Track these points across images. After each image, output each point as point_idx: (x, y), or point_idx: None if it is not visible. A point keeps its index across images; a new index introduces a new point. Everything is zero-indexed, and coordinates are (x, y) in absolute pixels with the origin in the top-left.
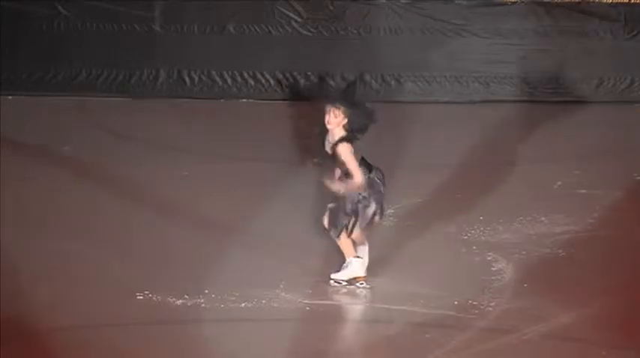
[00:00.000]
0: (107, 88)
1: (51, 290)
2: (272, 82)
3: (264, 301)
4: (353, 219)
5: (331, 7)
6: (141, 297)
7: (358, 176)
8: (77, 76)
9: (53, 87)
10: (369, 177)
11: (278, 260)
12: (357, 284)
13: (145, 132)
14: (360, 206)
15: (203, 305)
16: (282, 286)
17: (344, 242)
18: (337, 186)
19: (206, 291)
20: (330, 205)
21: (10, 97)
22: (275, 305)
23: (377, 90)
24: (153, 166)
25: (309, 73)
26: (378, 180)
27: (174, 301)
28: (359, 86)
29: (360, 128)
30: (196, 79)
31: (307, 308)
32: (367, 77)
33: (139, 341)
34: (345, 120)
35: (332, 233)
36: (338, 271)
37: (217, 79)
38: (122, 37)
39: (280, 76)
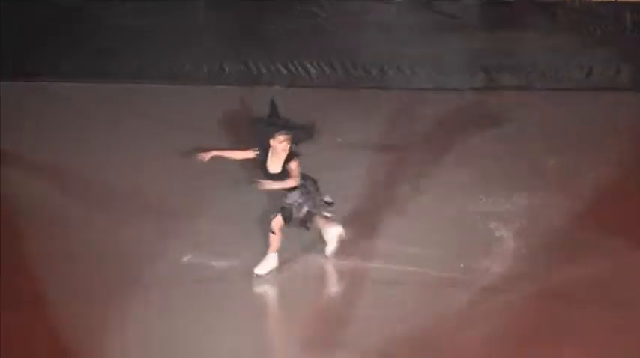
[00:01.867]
0: (155, 76)
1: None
2: (301, 70)
3: (296, 263)
4: (281, 218)
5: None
6: (185, 260)
7: (294, 183)
8: (128, 66)
9: (110, 75)
10: (302, 185)
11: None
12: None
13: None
14: (293, 209)
15: (237, 265)
16: (309, 246)
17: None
18: (268, 185)
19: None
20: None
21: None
22: (302, 265)
23: (393, 77)
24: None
25: (331, 63)
26: (309, 188)
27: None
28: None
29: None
30: (233, 69)
31: (333, 267)
32: (385, 67)
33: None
34: (290, 141)
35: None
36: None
37: (252, 68)
38: (168, 31)
39: (308, 66)
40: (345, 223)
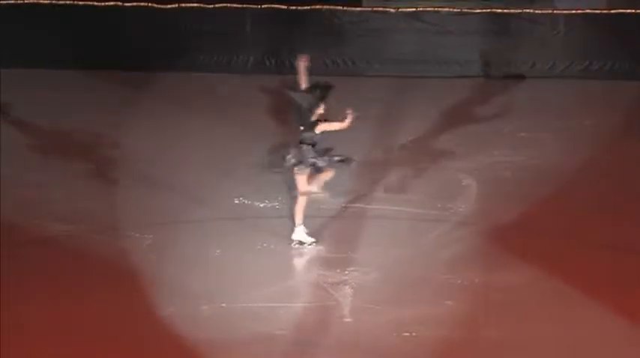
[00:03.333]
0: (216, 67)
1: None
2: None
3: (317, 205)
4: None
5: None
6: (237, 201)
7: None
8: (197, 59)
9: (182, 67)
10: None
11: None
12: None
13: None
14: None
15: (277, 206)
16: (329, 195)
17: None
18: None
19: (279, 198)
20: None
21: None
22: (323, 206)
23: (391, 68)
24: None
25: (344, 58)
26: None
27: (258, 204)
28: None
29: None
30: (272, 61)
31: (345, 209)
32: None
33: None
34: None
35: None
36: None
37: (285, 61)
38: (226, 34)
39: (326, 60)
40: (352, 176)
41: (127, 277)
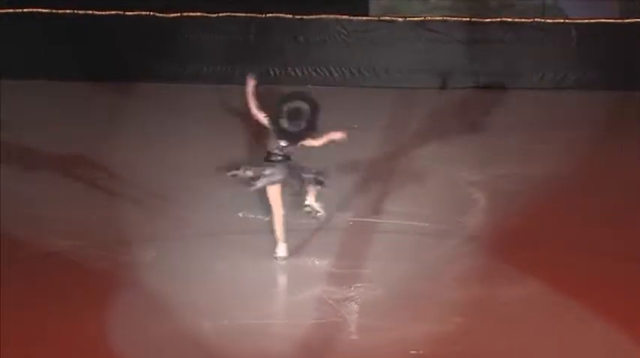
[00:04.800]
0: (218, 78)
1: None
2: (328, 73)
3: (323, 218)
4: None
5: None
6: (241, 215)
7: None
8: (200, 70)
9: (184, 78)
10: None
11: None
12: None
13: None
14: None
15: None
16: (332, 208)
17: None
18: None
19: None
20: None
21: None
22: (328, 221)
23: (396, 79)
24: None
25: (350, 68)
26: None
27: (262, 218)
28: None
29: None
30: (277, 72)
31: (350, 222)
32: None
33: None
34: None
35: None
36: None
37: (290, 71)
38: (229, 44)
39: (333, 69)
40: (357, 189)
41: (128, 292)
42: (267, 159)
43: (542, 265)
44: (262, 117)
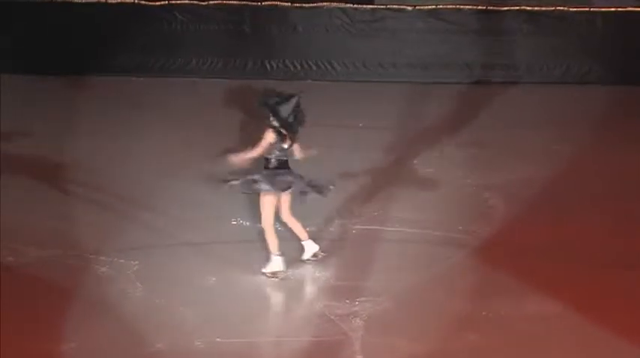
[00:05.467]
0: (210, 72)
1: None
2: (330, 67)
3: (324, 226)
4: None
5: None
6: (234, 222)
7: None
8: (189, 63)
9: (172, 71)
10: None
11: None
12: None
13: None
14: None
15: (279, 228)
16: (335, 214)
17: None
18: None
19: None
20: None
21: (134, 78)
22: (331, 229)
23: (405, 73)
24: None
25: (354, 61)
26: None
27: (258, 225)
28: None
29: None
30: (274, 65)
31: (354, 231)
32: (398, 64)
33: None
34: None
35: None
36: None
37: (289, 65)
38: (221, 35)
39: (335, 63)
40: (362, 194)
41: (110, 308)
42: (267, 166)
43: (565, 280)
44: (266, 141)
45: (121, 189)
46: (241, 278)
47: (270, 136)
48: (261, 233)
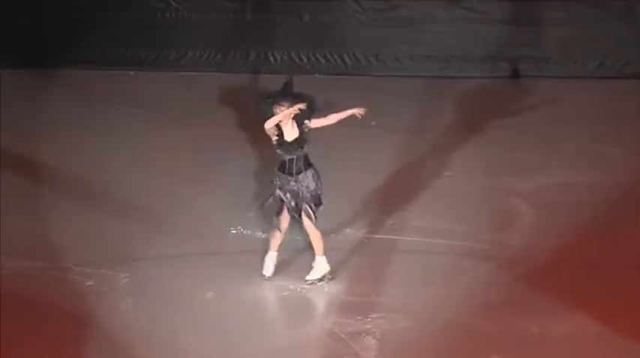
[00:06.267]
0: (208, 65)
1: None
2: (339, 60)
3: (332, 235)
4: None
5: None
6: (234, 231)
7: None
8: (184, 55)
9: (166, 65)
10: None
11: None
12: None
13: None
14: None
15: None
16: (345, 222)
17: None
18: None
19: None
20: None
21: (131, 72)
22: (340, 238)
23: (424, 66)
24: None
25: (366, 54)
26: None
27: (259, 235)
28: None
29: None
30: (278, 57)
31: (367, 240)
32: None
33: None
34: (292, 109)
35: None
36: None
37: (295, 57)
38: (219, 24)
39: (345, 55)
40: (376, 200)
41: (97, 326)
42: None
43: (602, 297)
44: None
45: (107, 193)
46: (241, 292)
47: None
48: (263, 242)
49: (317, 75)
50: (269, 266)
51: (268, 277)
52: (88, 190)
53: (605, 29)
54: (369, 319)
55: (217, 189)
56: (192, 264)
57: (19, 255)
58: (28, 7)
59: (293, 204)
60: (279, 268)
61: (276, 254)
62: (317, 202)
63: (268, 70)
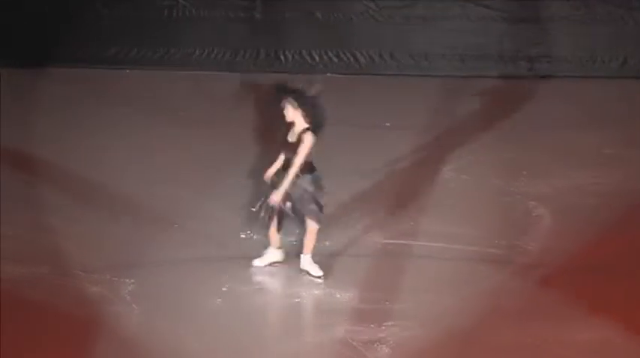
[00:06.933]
0: (217, 64)
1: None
2: (352, 59)
3: (346, 240)
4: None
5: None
6: (243, 236)
7: (295, 170)
8: (192, 54)
9: (173, 63)
10: (316, 174)
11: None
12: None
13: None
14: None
15: (295, 241)
16: (359, 227)
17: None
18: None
19: (297, 231)
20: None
21: (127, 71)
22: (354, 243)
23: (439, 66)
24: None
25: (380, 53)
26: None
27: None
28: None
29: (318, 123)
30: (290, 57)
31: (380, 246)
32: (431, 56)
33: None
34: (300, 111)
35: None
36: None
37: (306, 57)
38: (229, 23)
39: (358, 54)
40: (389, 203)
41: (102, 333)
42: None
43: (622, 303)
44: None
45: (111, 196)
46: (251, 299)
47: (309, 139)
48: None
49: (329, 74)
50: (263, 259)
51: (255, 266)
52: (92, 193)
53: (626, 27)
54: (383, 327)
55: (227, 192)
56: (201, 270)
57: (22, 261)
58: (28, 7)
59: (289, 206)
60: (290, 275)
61: (276, 250)
62: (318, 205)
63: (278, 70)
